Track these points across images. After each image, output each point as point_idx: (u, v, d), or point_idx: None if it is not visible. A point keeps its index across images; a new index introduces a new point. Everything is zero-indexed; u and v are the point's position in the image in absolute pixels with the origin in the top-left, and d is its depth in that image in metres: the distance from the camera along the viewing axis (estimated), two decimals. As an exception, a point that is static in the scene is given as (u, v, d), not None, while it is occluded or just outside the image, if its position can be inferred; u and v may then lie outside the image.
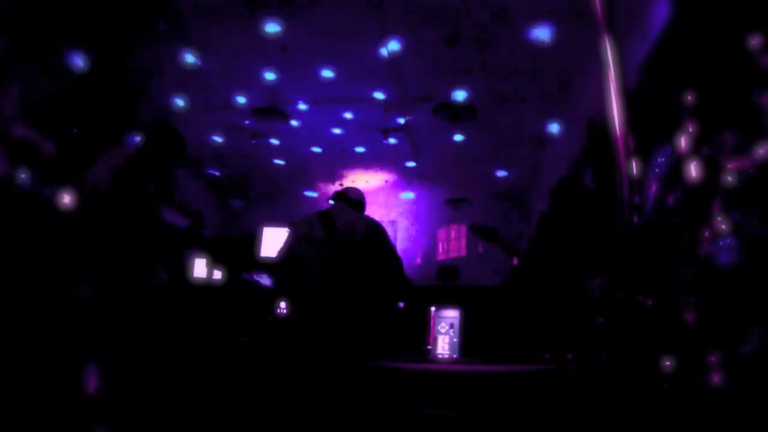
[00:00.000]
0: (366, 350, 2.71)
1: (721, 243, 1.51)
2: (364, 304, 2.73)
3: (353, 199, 3.01)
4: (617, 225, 2.03)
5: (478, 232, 3.61)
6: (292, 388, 2.63)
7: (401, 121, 5.73)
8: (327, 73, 4.96)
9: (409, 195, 7.94)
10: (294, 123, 5.83)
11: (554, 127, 5.51)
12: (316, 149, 6.73)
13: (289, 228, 3.03)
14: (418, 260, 7.79)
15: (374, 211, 7.65)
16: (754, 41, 1.48)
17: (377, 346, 2.84)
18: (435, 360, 6.19)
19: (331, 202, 3.11)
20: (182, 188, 6.60)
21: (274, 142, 6.46)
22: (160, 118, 2.47)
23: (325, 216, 2.87)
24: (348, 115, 5.83)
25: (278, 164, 7.16)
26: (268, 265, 5.52)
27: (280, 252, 2.87)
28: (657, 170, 2.02)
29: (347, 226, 2.80)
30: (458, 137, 6.05)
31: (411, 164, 7.06)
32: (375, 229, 2.86)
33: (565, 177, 4.56)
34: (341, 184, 7.44)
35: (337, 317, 2.64)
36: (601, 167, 3.36)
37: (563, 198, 4.21)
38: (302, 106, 5.57)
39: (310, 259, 2.77)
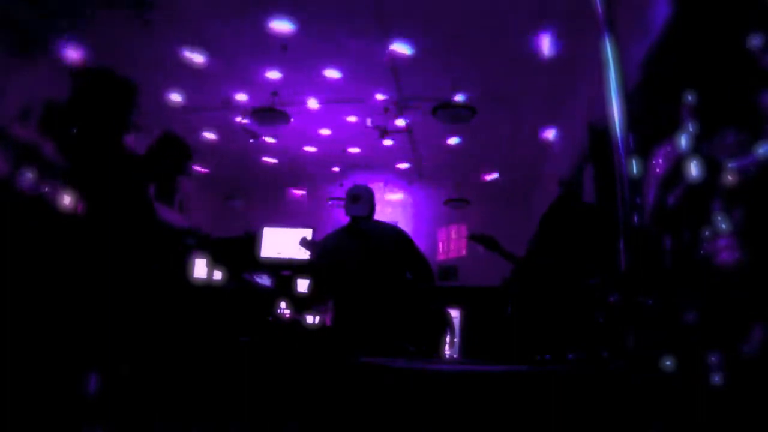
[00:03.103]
0: (367, 351, 2.77)
1: (721, 243, 1.51)
2: (390, 313, 2.81)
3: (367, 216, 3.08)
4: (617, 225, 2.02)
5: (477, 241, 3.61)
6: (293, 389, 2.64)
7: (402, 123, 5.73)
8: (327, 73, 4.96)
9: (409, 195, 7.94)
10: (294, 123, 5.83)
11: (554, 128, 5.51)
12: (317, 149, 6.73)
13: (319, 243, 3.18)
14: (419, 260, 7.78)
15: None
16: (755, 41, 1.48)
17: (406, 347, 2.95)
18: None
19: (344, 201, 3.16)
20: (182, 188, 6.60)
21: (274, 142, 6.46)
22: (170, 132, 2.53)
23: (356, 231, 2.96)
24: (348, 116, 5.83)
25: (279, 164, 7.16)
26: (268, 266, 5.52)
27: (313, 268, 3.04)
28: (657, 170, 2.02)
29: (378, 241, 2.91)
30: (458, 138, 6.05)
31: (411, 165, 7.06)
32: (405, 242, 3.00)
33: (564, 177, 4.56)
34: (341, 185, 7.44)
35: (372, 325, 2.73)
36: (601, 167, 3.35)
37: (563, 198, 4.20)
38: (302, 106, 5.57)
39: (343, 271, 2.87)
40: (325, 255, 3.03)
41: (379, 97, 5.33)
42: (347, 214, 3.08)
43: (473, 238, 3.70)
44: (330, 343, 2.85)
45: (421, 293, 3.08)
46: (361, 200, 3.05)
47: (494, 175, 6.97)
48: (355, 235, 2.97)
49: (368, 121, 5.49)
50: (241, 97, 5.39)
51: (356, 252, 2.91)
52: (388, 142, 6.01)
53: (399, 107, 5.45)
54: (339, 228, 3.15)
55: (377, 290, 2.82)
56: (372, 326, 2.77)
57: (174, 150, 2.55)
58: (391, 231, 3.02)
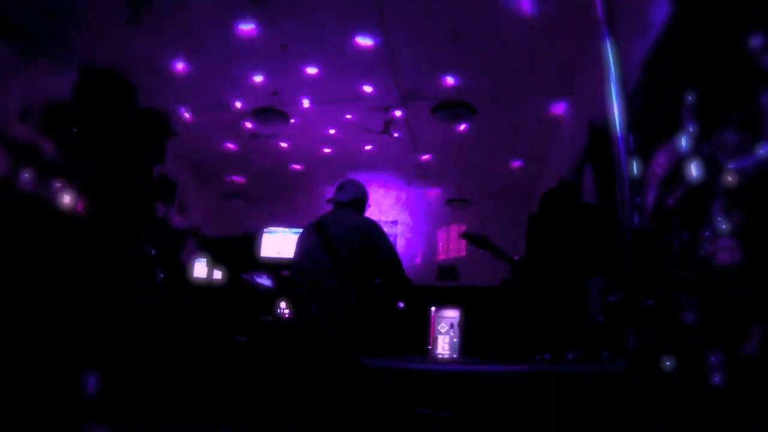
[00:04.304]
0: (361, 351, 2.74)
1: (721, 243, 1.51)
2: (357, 309, 2.75)
3: (349, 201, 3.04)
4: (617, 225, 2.02)
5: (469, 240, 3.60)
6: (290, 389, 2.64)
7: (398, 114, 5.72)
8: (326, 73, 4.95)
9: (408, 195, 7.94)
10: (293, 123, 5.82)
11: (554, 128, 5.51)
12: (316, 149, 6.72)
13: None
14: (418, 260, 7.78)
15: (374, 211, 7.65)
16: (755, 41, 1.48)
17: (374, 347, 2.88)
18: (435, 360, 6.18)
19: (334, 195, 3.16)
20: (182, 187, 6.60)
21: (274, 142, 6.45)
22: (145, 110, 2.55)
23: (320, 224, 2.93)
24: (347, 115, 5.83)
25: (278, 165, 7.16)
26: (268, 266, 5.52)
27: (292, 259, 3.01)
28: (657, 170, 2.02)
29: (339, 233, 2.83)
30: (458, 137, 6.05)
31: (411, 164, 7.06)
32: (368, 233, 2.87)
33: (565, 177, 4.56)
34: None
35: (328, 323, 2.68)
36: (602, 167, 3.35)
37: (563, 198, 4.21)
38: (302, 106, 5.57)
39: (306, 268, 2.84)
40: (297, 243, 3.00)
41: (379, 96, 5.32)
42: (331, 200, 3.12)
43: (465, 236, 3.70)
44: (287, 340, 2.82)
45: (384, 290, 3.00)
46: (344, 189, 3.08)
47: (496, 175, 6.94)
48: (316, 226, 2.95)
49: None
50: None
51: (312, 243, 2.88)
52: (387, 142, 6.01)
53: (403, 102, 5.44)
54: (311, 223, 3.09)
55: (326, 283, 2.73)
56: (316, 320, 2.71)
57: (161, 124, 2.63)
58: (355, 221, 2.91)
